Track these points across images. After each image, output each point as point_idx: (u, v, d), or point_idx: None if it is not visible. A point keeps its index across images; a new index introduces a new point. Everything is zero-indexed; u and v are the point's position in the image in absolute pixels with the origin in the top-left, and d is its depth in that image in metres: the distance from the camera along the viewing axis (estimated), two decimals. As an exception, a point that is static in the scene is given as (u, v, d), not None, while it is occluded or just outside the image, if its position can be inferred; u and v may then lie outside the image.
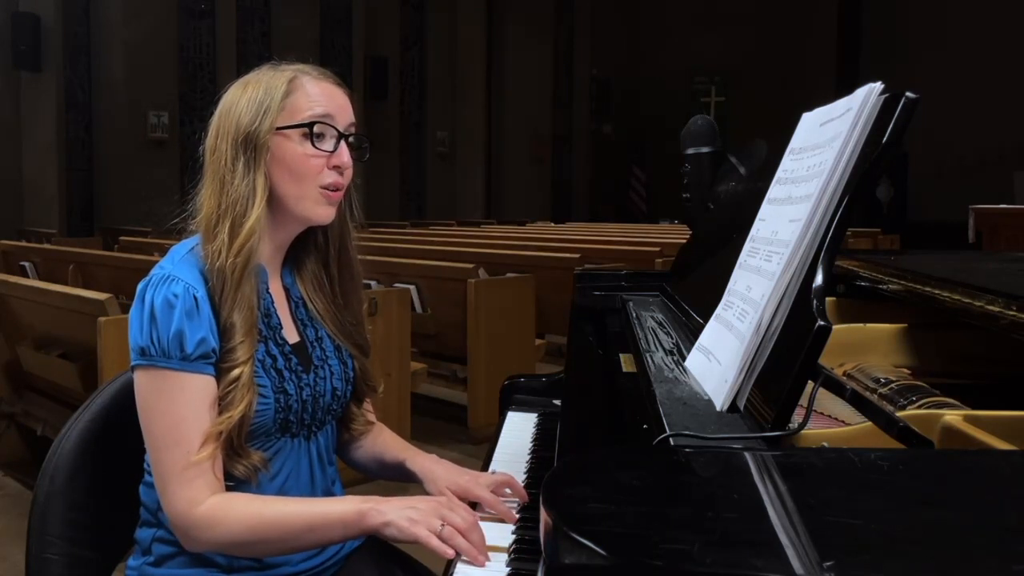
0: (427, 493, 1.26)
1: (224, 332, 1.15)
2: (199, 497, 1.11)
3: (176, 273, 1.15)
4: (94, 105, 9.63)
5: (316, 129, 1.19)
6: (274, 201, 1.21)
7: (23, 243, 6.73)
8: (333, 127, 1.21)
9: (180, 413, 1.12)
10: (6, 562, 2.79)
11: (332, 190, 1.21)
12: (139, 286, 1.17)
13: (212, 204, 1.19)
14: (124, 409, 1.30)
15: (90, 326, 2.75)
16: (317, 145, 1.20)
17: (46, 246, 6.30)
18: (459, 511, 1.10)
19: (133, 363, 1.16)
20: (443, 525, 1.07)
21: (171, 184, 9.93)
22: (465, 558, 1.05)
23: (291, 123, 1.19)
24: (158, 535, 1.22)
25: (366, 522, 1.10)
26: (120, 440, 1.30)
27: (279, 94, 1.19)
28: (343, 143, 1.22)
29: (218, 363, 1.15)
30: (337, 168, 1.21)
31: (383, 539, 1.11)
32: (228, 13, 10.37)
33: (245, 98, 1.20)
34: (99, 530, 1.28)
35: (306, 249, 1.31)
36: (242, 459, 1.16)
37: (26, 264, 5.36)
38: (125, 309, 2.87)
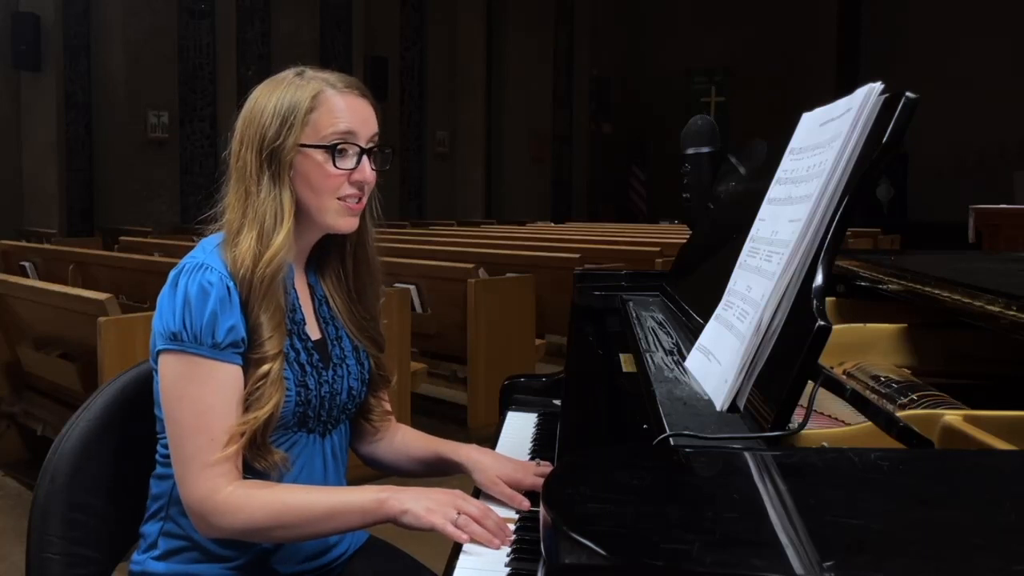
0: (473, 483, 1.27)
1: (252, 330, 1.16)
2: (220, 484, 1.12)
3: (210, 262, 1.17)
4: (94, 105, 9.63)
5: (338, 147, 1.21)
6: (299, 210, 1.22)
7: (23, 243, 6.72)
8: (355, 144, 1.22)
9: (207, 401, 1.13)
10: (6, 562, 2.79)
11: (353, 201, 1.24)
12: (171, 273, 1.18)
13: (236, 211, 1.20)
14: (124, 409, 1.31)
15: (90, 326, 2.75)
16: (338, 164, 1.21)
17: (46, 246, 6.30)
18: (473, 502, 1.12)
19: (160, 347, 1.16)
20: (459, 514, 1.09)
21: (171, 184, 9.94)
22: (464, 558, 1.05)
23: (314, 142, 1.20)
24: (166, 528, 1.23)
25: (385, 510, 1.11)
26: (120, 439, 1.30)
27: (303, 109, 1.20)
28: (364, 158, 1.23)
29: (247, 355, 1.16)
30: (358, 183, 1.23)
31: (401, 526, 1.12)
32: (228, 13, 10.36)
33: (271, 108, 1.20)
34: (99, 529, 1.28)
35: (328, 248, 1.33)
36: (264, 456, 1.17)
37: (26, 264, 5.36)
38: (125, 309, 2.88)
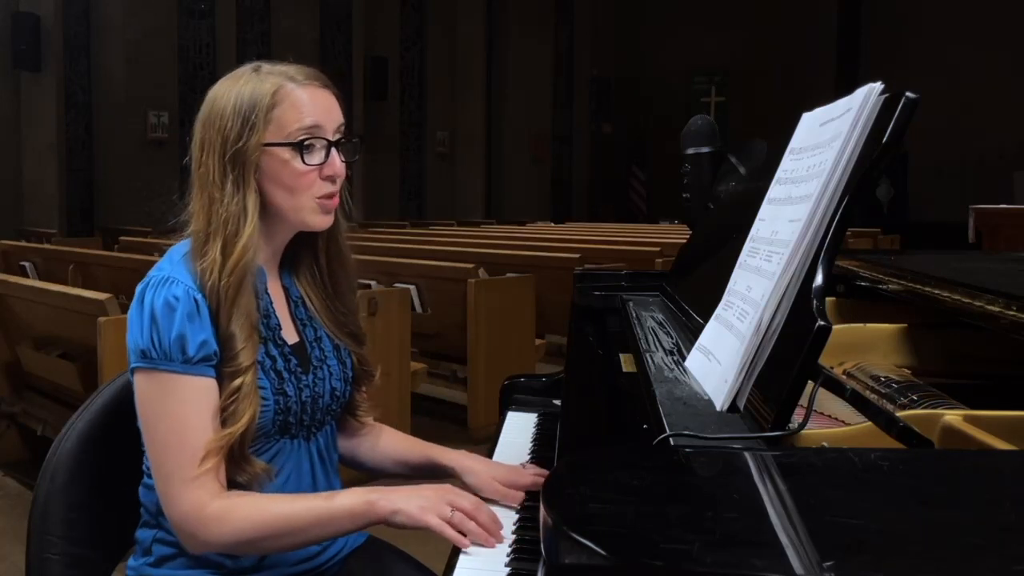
0: (464, 487, 1.24)
1: (224, 342, 1.13)
2: (204, 499, 1.10)
3: (175, 275, 1.14)
4: (94, 105, 9.62)
5: (305, 143, 1.17)
6: (270, 211, 1.19)
7: (23, 243, 6.72)
8: (322, 137, 1.18)
9: (183, 416, 1.11)
10: (6, 562, 2.79)
11: (327, 198, 1.20)
12: (138, 288, 1.16)
13: (202, 222, 1.16)
14: (124, 409, 1.30)
15: (90, 326, 2.75)
16: (307, 160, 1.17)
17: (46, 246, 6.30)
18: (465, 495, 1.11)
19: (133, 365, 1.14)
20: (453, 511, 1.07)
21: (171, 184, 9.91)
22: (464, 559, 1.05)
23: (279, 140, 1.16)
24: (158, 536, 1.22)
25: (374, 511, 1.10)
26: (120, 440, 1.30)
27: (264, 106, 1.15)
28: (334, 151, 1.19)
29: (220, 368, 1.13)
30: (330, 178, 1.19)
31: (393, 527, 1.11)
32: (228, 13, 10.36)
33: (230, 109, 1.16)
34: (99, 530, 1.28)
35: (300, 246, 1.30)
36: (245, 468, 1.15)
37: (26, 264, 5.36)
38: (125, 309, 2.87)
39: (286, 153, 1.17)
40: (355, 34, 11.75)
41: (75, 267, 4.80)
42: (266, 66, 1.21)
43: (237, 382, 1.12)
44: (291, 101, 1.17)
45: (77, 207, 9.59)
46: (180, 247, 1.20)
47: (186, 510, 1.10)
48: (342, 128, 1.22)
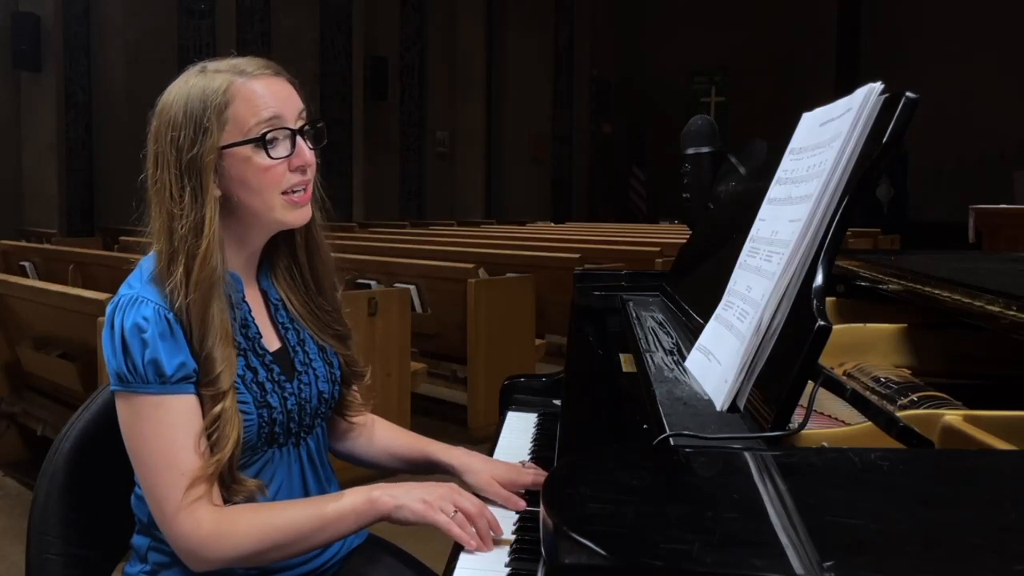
0: (464, 487, 1.22)
1: (201, 362, 1.09)
2: (200, 521, 1.07)
3: (145, 294, 1.10)
4: (94, 105, 9.63)
5: (267, 136, 1.11)
6: (240, 216, 1.15)
7: (23, 243, 6.72)
8: (284, 127, 1.13)
9: (168, 436, 1.08)
10: (6, 562, 2.79)
11: (300, 191, 1.15)
12: (108, 309, 1.12)
13: (164, 243, 1.12)
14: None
15: (90, 326, 2.75)
16: (272, 155, 1.11)
17: (46, 246, 6.30)
18: (469, 497, 1.10)
19: (112, 388, 1.11)
20: (456, 511, 1.07)
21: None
22: (465, 558, 1.05)
23: (238, 139, 1.11)
24: (153, 544, 1.20)
25: (378, 508, 1.09)
26: (121, 440, 1.30)
27: (217, 107, 1.10)
28: (300, 140, 1.14)
29: (199, 388, 1.10)
30: (300, 168, 1.14)
31: (396, 523, 1.09)
32: (228, 13, 10.37)
33: (180, 117, 1.10)
34: (99, 530, 1.28)
35: (276, 247, 1.25)
36: (238, 489, 1.12)
37: (26, 264, 5.36)
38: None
39: (247, 150, 1.11)
40: (355, 34, 11.75)
41: (75, 267, 4.80)
42: (212, 64, 1.15)
43: (217, 408, 1.09)
44: (244, 96, 1.11)
45: (77, 207, 9.60)
46: (149, 261, 1.15)
47: (185, 531, 1.08)
48: (304, 114, 1.16)
